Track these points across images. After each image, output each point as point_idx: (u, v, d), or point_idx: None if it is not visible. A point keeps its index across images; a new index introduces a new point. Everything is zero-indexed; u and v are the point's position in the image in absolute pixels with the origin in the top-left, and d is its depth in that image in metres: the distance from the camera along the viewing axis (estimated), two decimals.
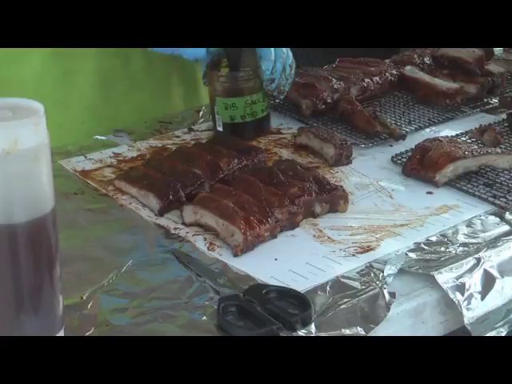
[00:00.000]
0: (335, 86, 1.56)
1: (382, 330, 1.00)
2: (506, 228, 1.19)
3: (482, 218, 1.22)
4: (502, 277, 1.10)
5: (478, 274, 1.08)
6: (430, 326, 1.06)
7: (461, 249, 1.14)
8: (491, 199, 1.26)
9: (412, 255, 1.12)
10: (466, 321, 1.04)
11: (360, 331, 0.98)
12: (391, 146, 1.46)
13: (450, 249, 1.14)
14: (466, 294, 1.06)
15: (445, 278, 1.06)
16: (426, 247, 1.14)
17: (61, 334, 0.89)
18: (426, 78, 1.64)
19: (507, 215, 1.22)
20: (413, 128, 1.52)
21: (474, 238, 1.17)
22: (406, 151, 1.41)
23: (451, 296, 1.05)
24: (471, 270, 1.09)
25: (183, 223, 1.20)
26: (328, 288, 1.05)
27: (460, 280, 1.07)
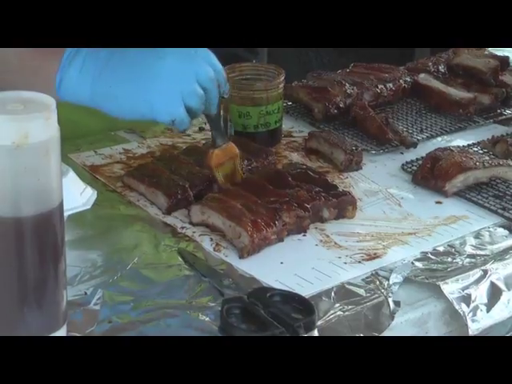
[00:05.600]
0: (348, 91, 1.56)
1: None
2: None
3: (491, 229, 1.22)
4: (509, 290, 1.09)
5: (484, 286, 1.08)
6: None
7: (468, 260, 1.13)
8: (500, 211, 1.25)
9: (418, 264, 1.11)
10: (470, 332, 1.03)
11: None
12: (402, 153, 1.46)
13: (457, 259, 1.13)
14: (472, 306, 1.05)
15: (450, 288, 1.06)
16: (433, 257, 1.14)
17: (63, 329, 0.89)
18: (440, 86, 1.64)
19: None
20: (424, 136, 1.52)
21: (481, 249, 1.16)
22: (417, 159, 1.41)
23: (456, 307, 1.04)
24: (478, 281, 1.08)
25: (190, 223, 1.20)
26: (333, 294, 1.05)
27: (466, 291, 1.06)
